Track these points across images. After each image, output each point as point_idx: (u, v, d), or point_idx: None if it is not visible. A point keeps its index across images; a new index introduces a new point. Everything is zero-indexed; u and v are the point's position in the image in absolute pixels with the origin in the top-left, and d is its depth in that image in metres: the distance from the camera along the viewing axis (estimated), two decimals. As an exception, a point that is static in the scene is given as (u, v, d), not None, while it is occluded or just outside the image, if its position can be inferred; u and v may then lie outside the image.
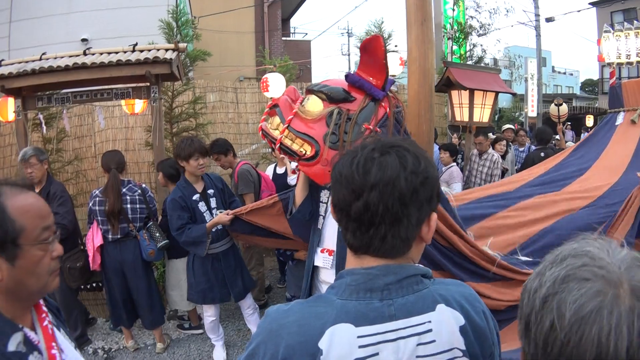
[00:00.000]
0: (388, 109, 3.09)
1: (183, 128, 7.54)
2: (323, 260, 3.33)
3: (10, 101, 6.11)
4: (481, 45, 13.39)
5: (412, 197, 1.13)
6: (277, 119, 3.10)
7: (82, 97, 5.94)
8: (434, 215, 1.20)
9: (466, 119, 7.24)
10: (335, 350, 1.09)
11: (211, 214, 4.51)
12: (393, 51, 8.37)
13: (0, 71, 5.59)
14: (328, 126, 2.97)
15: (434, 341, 1.13)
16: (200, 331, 5.46)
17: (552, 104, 9.76)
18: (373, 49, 2.91)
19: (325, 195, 3.38)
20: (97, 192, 4.88)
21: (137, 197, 4.86)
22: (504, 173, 7.95)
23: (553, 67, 47.70)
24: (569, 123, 18.17)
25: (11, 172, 8.20)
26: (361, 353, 1.09)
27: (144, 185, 5.08)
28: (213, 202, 4.58)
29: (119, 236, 4.76)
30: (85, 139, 8.18)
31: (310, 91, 3.10)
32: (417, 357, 1.12)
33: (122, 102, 6.43)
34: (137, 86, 5.90)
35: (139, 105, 6.49)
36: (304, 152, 3.00)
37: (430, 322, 1.14)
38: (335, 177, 1.20)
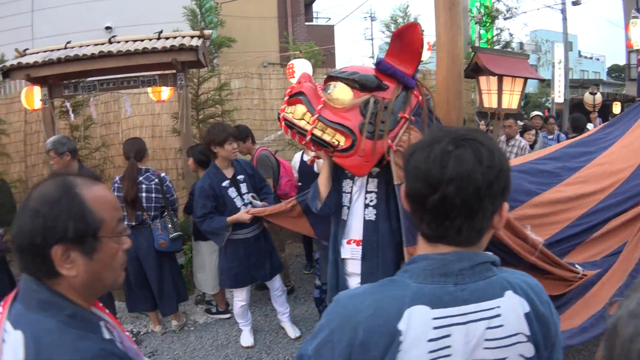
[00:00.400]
0: (420, 97, 3.03)
1: (209, 115, 7.54)
2: (351, 251, 3.27)
3: (37, 90, 6.14)
4: (508, 29, 13.17)
5: (487, 191, 1.16)
6: (300, 108, 2.99)
7: (109, 84, 5.94)
8: (506, 205, 1.23)
9: (494, 105, 7.10)
10: (413, 331, 1.13)
11: (242, 198, 4.52)
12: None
13: (25, 60, 5.62)
14: (363, 115, 2.88)
15: (501, 326, 1.17)
16: (227, 316, 5.48)
17: (587, 93, 9.57)
18: (409, 37, 2.83)
19: (348, 185, 3.31)
20: (117, 178, 4.95)
21: (153, 186, 4.87)
22: None
23: (579, 51, 46.86)
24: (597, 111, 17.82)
25: (39, 159, 8.30)
26: (435, 334, 1.14)
27: (162, 175, 5.07)
28: (243, 188, 4.58)
29: (134, 223, 4.79)
30: (112, 126, 8.24)
31: (334, 78, 3.01)
32: (486, 340, 1.16)
33: (149, 89, 6.42)
34: (163, 73, 5.88)
35: (166, 92, 6.48)
36: (336, 142, 2.92)
37: (499, 307, 1.18)
38: (411, 170, 1.21)
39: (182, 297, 5.30)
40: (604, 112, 18.95)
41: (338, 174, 3.28)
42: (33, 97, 6.37)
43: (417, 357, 1.13)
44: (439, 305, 1.15)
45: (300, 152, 6.07)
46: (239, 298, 4.74)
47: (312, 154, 5.76)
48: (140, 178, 4.84)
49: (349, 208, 3.29)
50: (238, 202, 4.49)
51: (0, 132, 8.03)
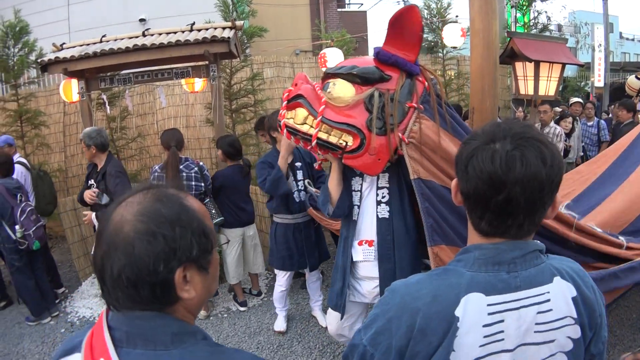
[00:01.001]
0: (426, 83, 2.87)
1: (242, 104, 7.61)
2: (364, 253, 3.11)
3: (74, 82, 6.28)
4: (545, 12, 12.84)
5: (549, 187, 1.22)
6: (301, 112, 2.85)
7: (144, 77, 6.04)
8: (557, 196, 1.28)
9: (531, 92, 6.95)
10: (469, 317, 1.19)
11: (297, 184, 4.64)
12: (453, 22, 8.13)
13: (62, 54, 5.75)
14: (369, 111, 2.75)
15: (551, 310, 1.23)
16: (244, 308, 5.54)
17: (633, 76, 9.25)
18: (407, 21, 2.70)
19: (357, 183, 3.16)
20: (157, 167, 5.08)
21: (193, 174, 5.01)
22: (567, 151, 7.65)
23: (620, 33, 45.36)
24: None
25: (77, 149, 8.51)
26: (489, 319, 1.20)
27: (201, 163, 5.22)
28: (299, 174, 4.68)
29: None
30: (147, 117, 8.40)
31: (332, 75, 2.88)
32: (536, 324, 1.22)
33: (182, 80, 6.52)
34: (196, 65, 5.95)
35: (199, 83, 6.57)
36: (344, 143, 2.79)
37: (548, 292, 1.24)
38: (473, 171, 1.23)
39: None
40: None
41: (346, 173, 3.16)
42: (71, 89, 6.53)
43: (472, 342, 1.19)
44: (493, 292, 1.21)
45: None
46: (280, 283, 4.88)
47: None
48: (181, 166, 5.00)
49: (359, 207, 3.14)
50: (293, 187, 4.61)
51: (40, 123, 8.24)
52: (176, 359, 1.02)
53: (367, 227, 3.12)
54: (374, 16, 40.68)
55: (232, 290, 5.90)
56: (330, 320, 3.50)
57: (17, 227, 5.23)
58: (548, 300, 1.23)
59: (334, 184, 3.13)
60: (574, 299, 1.25)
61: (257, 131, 5.84)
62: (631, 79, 9.27)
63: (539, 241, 1.32)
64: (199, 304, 1.14)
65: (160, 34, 5.80)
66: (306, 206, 4.63)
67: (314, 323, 5.04)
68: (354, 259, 3.15)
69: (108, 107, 6.69)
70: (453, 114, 2.99)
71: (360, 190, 3.15)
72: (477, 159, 1.23)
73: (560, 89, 7.68)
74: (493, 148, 1.21)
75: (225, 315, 5.44)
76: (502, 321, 1.20)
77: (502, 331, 1.20)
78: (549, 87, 7.06)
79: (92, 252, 1.13)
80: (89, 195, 4.98)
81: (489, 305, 1.20)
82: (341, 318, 3.30)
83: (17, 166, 6.16)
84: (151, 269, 1.02)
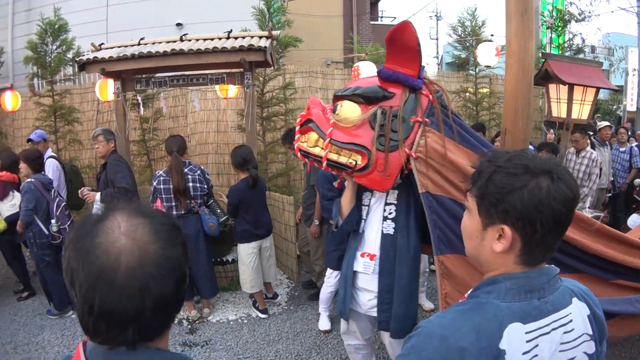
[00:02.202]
0: (431, 96, 2.91)
1: (273, 112, 7.69)
2: (364, 265, 3.20)
3: (110, 82, 6.41)
4: (580, 34, 12.72)
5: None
6: (313, 135, 2.94)
7: (179, 81, 6.14)
8: None
9: (564, 115, 6.88)
10: (512, 348, 1.21)
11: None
12: (488, 40, 8.10)
13: (100, 55, 5.86)
14: (374, 129, 2.82)
15: (573, 329, 1.31)
16: (265, 316, 5.60)
17: None
18: (403, 37, 2.74)
19: (367, 198, 3.24)
20: (160, 172, 5.32)
21: (197, 176, 5.29)
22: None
23: (656, 56, 44.64)
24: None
25: (109, 147, 8.63)
26: (527, 347, 1.23)
27: (202, 168, 5.50)
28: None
29: (182, 212, 5.19)
30: (180, 119, 8.50)
31: (340, 97, 2.95)
32: (561, 343, 1.28)
33: (216, 86, 6.60)
34: (231, 72, 6.03)
35: (233, 90, 6.65)
36: (354, 162, 2.86)
37: (570, 313, 1.32)
38: (548, 196, 1.26)
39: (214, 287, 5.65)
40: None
41: (359, 188, 3.22)
42: (106, 89, 6.67)
43: None
44: (529, 320, 1.25)
45: None
46: (330, 283, 5.14)
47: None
48: (186, 170, 5.23)
49: (365, 221, 3.23)
50: None
51: (73, 120, 8.41)
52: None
53: (371, 241, 3.20)
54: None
55: (252, 297, 5.95)
56: (341, 325, 3.66)
57: (52, 221, 5.40)
58: (571, 321, 1.30)
59: (346, 200, 3.22)
60: (588, 317, 1.35)
61: (284, 143, 5.88)
62: None
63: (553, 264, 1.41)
64: None
65: (197, 40, 5.89)
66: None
67: (333, 335, 5.04)
68: (354, 269, 3.25)
69: (142, 109, 6.80)
70: (461, 122, 3.03)
71: (369, 205, 3.24)
72: (555, 189, 1.28)
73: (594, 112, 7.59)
74: (540, 182, 1.29)
75: (246, 321, 5.49)
76: (537, 346, 1.24)
77: (537, 355, 1.24)
78: (582, 110, 6.98)
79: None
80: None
81: (526, 333, 1.23)
82: (347, 323, 3.47)
83: (51, 160, 6.29)
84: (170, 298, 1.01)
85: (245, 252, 5.44)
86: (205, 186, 5.32)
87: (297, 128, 3.04)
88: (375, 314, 3.24)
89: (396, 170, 2.86)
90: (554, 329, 1.27)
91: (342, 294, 3.35)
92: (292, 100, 8.10)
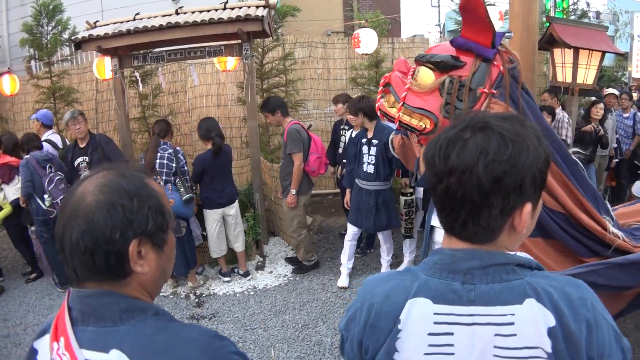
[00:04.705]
0: (502, 67, 2.85)
1: (273, 84, 7.61)
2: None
3: (107, 60, 6.34)
4: (585, -2, 12.45)
5: (495, 186, 1.08)
6: (392, 97, 3.02)
7: (176, 55, 6.07)
8: (527, 207, 1.12)
9: (569, 80, 6.76)
10: (412, 322, 1.14)
11: (368, 157, 5.30)
12: (491, 4, 7.96)
13: (96, 32, 5.80)
14: (442, 97, 2.83)
15: (514, 335, 1.08)
16: (227, 279, 5.80)
17: None
18: (472, 7, 2.69)
19: None
20: (142, 154, 5.62)
21: (166, 154, 5.36)
22: (600, 139, 7.45)
23: (662, 20, 43.98)
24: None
25: (110, 125, 8.60)
26: (435, 329, 1.12)
27: (177, 148, 5.57)
28: (373, 150, 5.27)
29: None
30: (179, 95, 8.43)
31: (418, 62, 2.97)
32: (495, 347, 1.08)
33: (215, 59, 6.53)
34: (228, 44, 5.95)
35: (231, 62, 6.57)
36: (423, 126, 2.90)
37: (513, 315, 1.08)
38: (424, 157, 1.20)
39: (191, 262, 5.58)
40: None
41: None
42: (104, 67, 6.59)
43: (415, 347, 1.14)
44: (441, 301, 1.13)
45: (350, 130, 6.06)
46: (349, 237, 5.61)
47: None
48: (159, 149, 5.36)
49: None
50: (364, 159, 5.34)
51: (73, 100, 8.33)
52: (122, 334, 1.05)
53: None
54: (407, -2, 40.11)
55: (258, 269, 5.98)
56: None
57: (45, 196, 5.47)
58: (511, 324, 1.08)
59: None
60: (550, 329, 1.06)
61: (262, 111, 5.93)
62: None
63: (524, 254, 1.19)
64: (153, 282, 1.17)
65: (193, 12, 5.81)
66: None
67: (340, 304, 5.06)
68: (432, 224, 3.37)
69: (141, 85, 6.73)
70: (529, 100, 3.03)
71: None
72: (428, 146, 1.19)
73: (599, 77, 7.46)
74: (440, 136, 1.16)
75: (252, 293, 5.50)
76: (451, 334, 1.11)
77: (452, 344, 1.11)
78: (587, 75, 6.86)
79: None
80: None
81: (435, 314, 1.13)
82: None
83: (44, 144, 6.24)
84: (108, 237, 1.06)
85: (208, 219, 5.65)
86: (174, 165, 5.36)
87: (380, 89, 3.13)
88: None
89: None
90: (477, 324, 1.09)
91: (424, 246, 3.52)
92: (292, 71, 8.01)
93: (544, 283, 1.12)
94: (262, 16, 5.51)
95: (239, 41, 5.84)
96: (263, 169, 6.56)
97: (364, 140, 5.37)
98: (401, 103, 2.91)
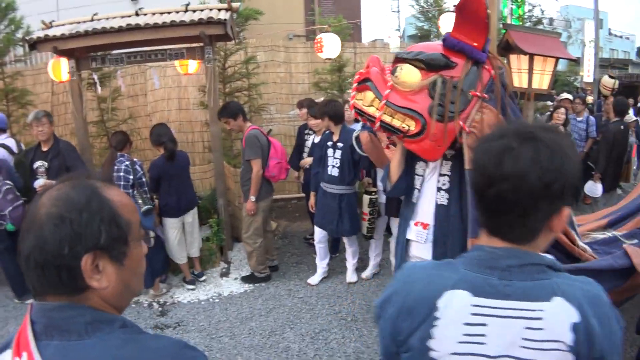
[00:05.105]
0: (493, 72, 2.85)
1: (236, 88, 7.53)
2: (417, 233, 3.20)
3: (64, 61, 6.14)
4: (540, 5, 12.82)
5: (544, 192, 1.17)
6: (369, 95, 2.90)
7: (136, 57, 5.93)
8: (566, 210, 1.22)
9: (525, 85, 6.91)
10: (450, 311, 1.21)
11: (332, 160, 5.29)
12: (449, 11, 8.07)
13: (52, 32, 5.61)
14: (432, 97, 2.75)
15: (542, 329, 1.16)
16: (192, 286, 5.69)
17: (606, 76, 9.36)
18: (473, 8, 2.68)
19: (421, 168, 3.20)
20: (100, 168, 5.51)
21: (123, 167, 5.22)
22: None
23: (609, 29, 45.56)
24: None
25: (66, 129, 8.36)
26: (471, 319, 1.20)
27: (134, 159, 5.43)
28: (337, 154, 5.27)
29: None
30: (139, 98, 8.27)
31: (401, 60, 2.88)
32: (523, 339, 1.17)
33: (176, 62, 6.41)
34: (190, 47, 5.85)
35: (193, 65, 6.47)
36: (407, 127, 2.81)
37: (542, 310, 1.17)
38: (473, 162, 1.27)
39: (155, 271, 5.42)
40: (632, 92, 18.61)
41: (412, 157, 3.18)
42: (60, 69, 6.38)
43: (451, 335, 1.21)
44: (480, 294, 1.21)
45: (313, 135, 6.02)
46: (317, 239, 5.63)
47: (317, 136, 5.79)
48: (116, 161, 5.24)
49: (419, 191, 3.21)
50: (328, 162, 5.33)
51: (27, 103, 8.04)
52: (88, 348, 1.01)
53: (425, 210, 3.20)
54: (367, 2, 40.48)
55: (223, 275, 5.91)
56: None
57: None
58: (540, 319, 1.17)
59: (395, 165, 3.22)
60: (574, 325, 1.16)
61: (220, 118, 5.66)
62: (605, 79, 9.36)
63: (550, 256, 1.28)
64: (116, 296, 1.12)
65: (154, 14, 5.68)
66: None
67: (306, 310, 5.01)
68: (407, 237, 3.27)
69: (99, 88, 6.56)
70: (514, 108, 3.02)
71: (423, 175, 3.21)
72: (477, 152, 1.27)
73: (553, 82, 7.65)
74: (490, 143, 1.23)
75: (217, 300, 5.40)
76: (485, 325, 1.20)
77: (484, 335, 1.20)
78: (542, 80, 7.03)
79: None
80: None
81: (473, 305, 1.21)
82: None
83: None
84: (56, 252, 1.02)
85: (168, 227, 5.56)
86: (131, 177, 5.23)
87: (355, 85, 2.99)
88: None
89: (448, 142, 2.83)
90: (510, 317, 1.18)
91: (399, 262, 3.41)
92: (255, 74, 7.93)
93: (567, 282, 1.22)
94: (225, 19, 5.43)
95: (201, 44, 5.74)
96: (226, 174, 6.46)
97: (329, 144, 5.35)
98: (383, 101, 2.82)
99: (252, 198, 5.44)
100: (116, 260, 1.09)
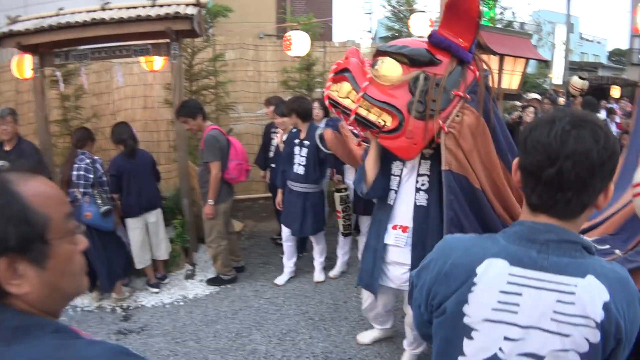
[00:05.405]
0: (477, 73, 2.79)
1: (203, 86, 7.42)
2: (395, 237, 3.12)
3: (28, 58, 6.00)
4: (511, 8, 12.94)
5: (600, 169, 1.23)
6: (345, 86, 2.81)
7: (101, 53, 5.79)
8: (611, 186, 1.30)
9: (494, 85, 6.94)
10: (488, 278, 1.28)
11: (299, 158, 5.18)
12: (421, 11, 8.07)
13: (16, 28, 5.48)
14: (412, 93, 2.68)
15: (573, 304, 1.22)
16: (156, 290, 5.52)
17: (576, 77, 9.49)
18: (465, 6, 2.61)
19: (398, 168, 3.12)
20: (60, 167, 5.34)
21: (83, 165, 5.01)
22: None
23: (581, 34, 46.29)
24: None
25: (30, 129, 8.13)
26: (507, 288, 1.26)
27: (95, 157, 5.22)
28: (304, 152, 5.14)
29: (68, 200, 4.89)
30: (104, 96, 8.10)
31: (383, 53, 2.81)
32: (554, 312, 1.22)
33: (142, 59, 6.28)
34: (156, 43, 5.72)
35: (159, 62, 6.34)
36: (382, 123, 2.73)
37: (575, 286, 1.23)
38: (531, 143, 1.29)
39: (115, 274, 5.25)
40: (602, 95, 18.94)
41: (387, 156, 3.09)
42: (24, 65, 6.23)
43: (486, 301, 1.27)
44: (518, 264, 1.27)
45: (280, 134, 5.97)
46: (284, 238, 5.56)
47: (281, 137, 5.70)
48: (76, 160, 5.04)
49: (396, 192, 3.13)
50: (295, 159, 5.22)
51: (-10, 101, 7.87)
52: (15, 355, 0.92)
53: (403, 212, 3.11)
54: (339, 3, 40.54)
55: (188, 278, 5.76)
56: (365, 298, 3.69)
57: None
58: (572, 293, 1.22)
59: (370, 164, 3.10)
60: (605, 304, 1.22)
61: (179, 117, 5.42)
62: (574, 79, 9.50)
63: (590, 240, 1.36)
64: (43, 301, 1.01)
65: (120, 9, 5.55)
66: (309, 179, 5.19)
67: (273, 311, 4.92)
68: (385, 242, 3.16)
69: (62, 85, 6.39)
70: (497, 112, 2.96)
71: (400, 175, 3.13)
72: (536, 132, 1.29)
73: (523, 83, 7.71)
74: (553, 124, 1.27)
75: (182, 303, 5.27)
76: (519, 294, 1.25)
77: (518, 304, 1.25)
78: (512, 80, 7.08)
79: None
80: None
81: (510, 274, 1.26)
82: (375, 299, 3.48)
83: None
84: None
85: (130, 228, 5.38)
86: (91, 176, 5.03)
87: (331, 75, 2.90)
88: (407, 288, 3.14)
89: (425, 141, 2.74)
90: (544, 289, 1.23)
91: (370, 268, 3.27)
92: (223, 72, 7.83)
93: (600, 264, 1.29)
94: (192, 15, 5.32)
95: (167, 40, 5.62)
96: (191, 173, 6.32)
97: (296, 141, 5.25)
98: (361, 94, 2.73)
99: (211, 202, 5.26)
100: (36, 262, 0.98)
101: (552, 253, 1.26)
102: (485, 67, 2.88)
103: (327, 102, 2.96)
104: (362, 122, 2.80)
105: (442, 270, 1.35)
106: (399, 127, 2.70)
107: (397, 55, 2.75)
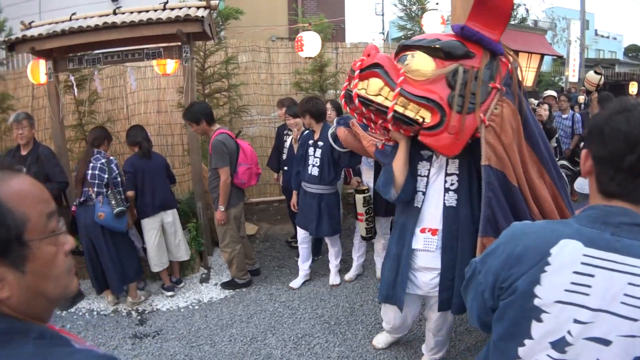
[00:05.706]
0: (510, 65, 2.75)
1: (215, 89, 7.39)
2: (424, 241, 3.02)
3: (42, 63, 6.02)
4: (524, 4, 12.81)
5: None
6: (375, 83, 2.71)
7: (113, 57, 5.81)
8: None
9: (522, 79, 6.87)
10: (562, 258, 1.28)
11: (313, 159, 5.13)
12: (433, 9, 7.99)
13: (30, 33, 5.50)
14: (451, 87, 2.61)
15: None
16: (171, 293, 5.49)
17: (592, 71, 9.35)
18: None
19: (424, 168, 3.02)
20: (76, 165, 5.39)
21: (98, 164, 5.03)
22: (544, 126, 7.60)
23: (596, 30, 45.84)
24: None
25: (46, 134, 8.19)
26: (581, 269, 1.25)
27: (111, 158, 5.23)
28: (318, 152, 5.09)
29: (81, 199, 5.03)
30: (118, 101, 8.11)
31: (411, 47, 2.75)
32: (625, 294, 1.20)
33: (154, 62, 6.28)
34: (168, 46, 5.73)
35: (171, 65, 6.33)
36: (421, 119, 2.65)
37: None
38: (610, 132, 1.30)
39: (127, 277, 5.22)
40: (619, 91, 18.68)
41: (412, 156, 3.00)
42: (39, 71, 6.26)
43: (559, 282, 1.27)
44: (592, 245, 1.27)
45: (290, 138, 5.95)
46: (299, 240, 5.52)
47: (292, 137, 5.67)
48: (92, 159, 5.07)
49: (424, 193, 3.03)
50: (309, 160, 5.17)
51: (8, 107, 7.91)
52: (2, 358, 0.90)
53: (432, 214, 3.01)
54: (351, 4, 40.44)
55: (203, 281, 5.74)
56: (388, 314, 3.55)
57: None
58: None
59: (399, 166, 2.98)
60: None
61: (186, 119, 5.35)
62: (590, 74, 9.35)
63: None
64: (26, 305, 0.97)
65: (132, 12, 5.58)
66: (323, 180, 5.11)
67: (288, 314, 4.88)
68: (413, 247, 3.04)
69: (76, 90, 6.41)
70: (526, 102, 2.90)
71: (427, 176, 3.03)
72: (614, 121, 1.30)
73: (537, 80, 7.62)
74: (628, 114, 1.29)
75: (197, 307, 5.25)
76: (592, 276, 1.24)
77: (590, 286, 1.24)
78: (527, 77, 6.98)
79: None
80: None
81: (584, 255, 1.26)
82: (401, 310, 3.26)
83: None
84: None
85: (146, 229, 5.35)
86: (106, 175, 5.03)
87: (357, 72, 2.78)
88: (436, 294, 3.05)
89: (468, 136, 2.67)
90: (617, 271, 1.23)
91: (393, 277, 3.15)
92: (235, 75, 7.80)
93: None
94: (203, 17, 5.32)
95: (179, 43, 5.62)
96: (205, 176, 6.32)
97: (310, 142, 5.20)
98: (398, 89, 2.64)
99: (222, 208, 5.21)
100: (14, 265, 0.94)
101: (625, 236, 1.26)
102: (513, 59, 2.83)
103: (356, 101, 2.82)
104: (401, 120, 2.71)
105: (514, 253, 1.36)
106: (441, 123, 2.63)
107: (429, 49, 2.69)
